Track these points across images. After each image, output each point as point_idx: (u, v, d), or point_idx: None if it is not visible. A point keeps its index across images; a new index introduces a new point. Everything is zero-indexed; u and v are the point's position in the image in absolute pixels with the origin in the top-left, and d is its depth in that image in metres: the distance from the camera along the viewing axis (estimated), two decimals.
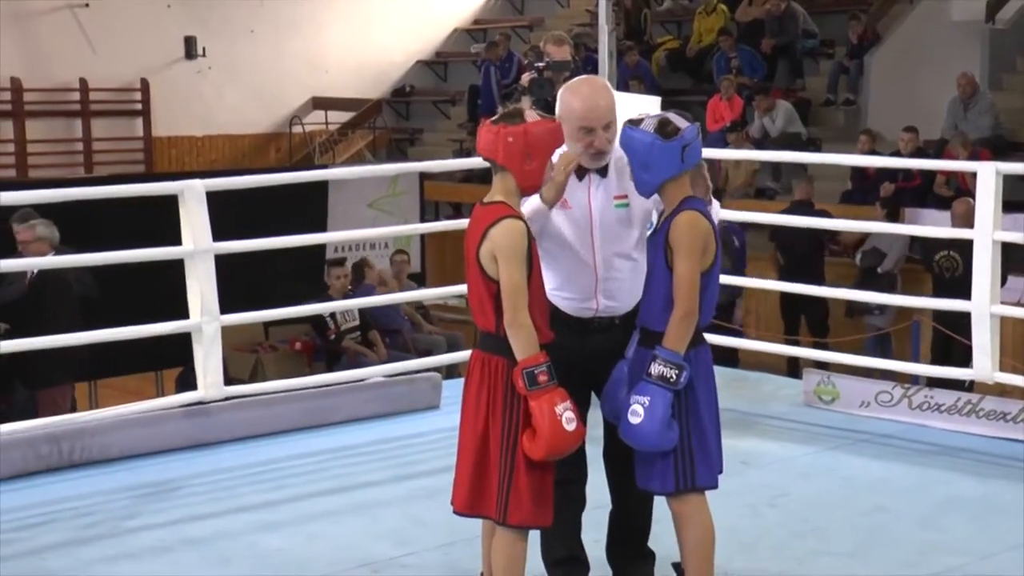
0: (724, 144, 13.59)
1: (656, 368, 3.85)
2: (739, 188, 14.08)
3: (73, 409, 8.03)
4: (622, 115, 4.14)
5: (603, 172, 4.10)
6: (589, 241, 4.08)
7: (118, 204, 6.58)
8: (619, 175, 4.09)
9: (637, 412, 3.85)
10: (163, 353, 8.61)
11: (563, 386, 3.80)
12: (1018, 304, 8.08)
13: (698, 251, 3.86)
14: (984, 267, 6.06)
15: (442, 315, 13.05)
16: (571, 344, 3.98)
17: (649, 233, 4.07)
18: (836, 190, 13.50)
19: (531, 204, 4.00)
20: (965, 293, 9.94)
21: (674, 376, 3.84)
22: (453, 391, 6.64)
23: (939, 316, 9.66)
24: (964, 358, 9.85)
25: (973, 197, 6.25)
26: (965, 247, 6.88)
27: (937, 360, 9.78)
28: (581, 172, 4.09)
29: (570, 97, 4.07)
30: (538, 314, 3.82)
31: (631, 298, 4.12)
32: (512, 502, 3.82)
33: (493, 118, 3.88)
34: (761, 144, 14.27)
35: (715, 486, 3.98)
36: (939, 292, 9.65)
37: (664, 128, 3.90)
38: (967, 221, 9.97)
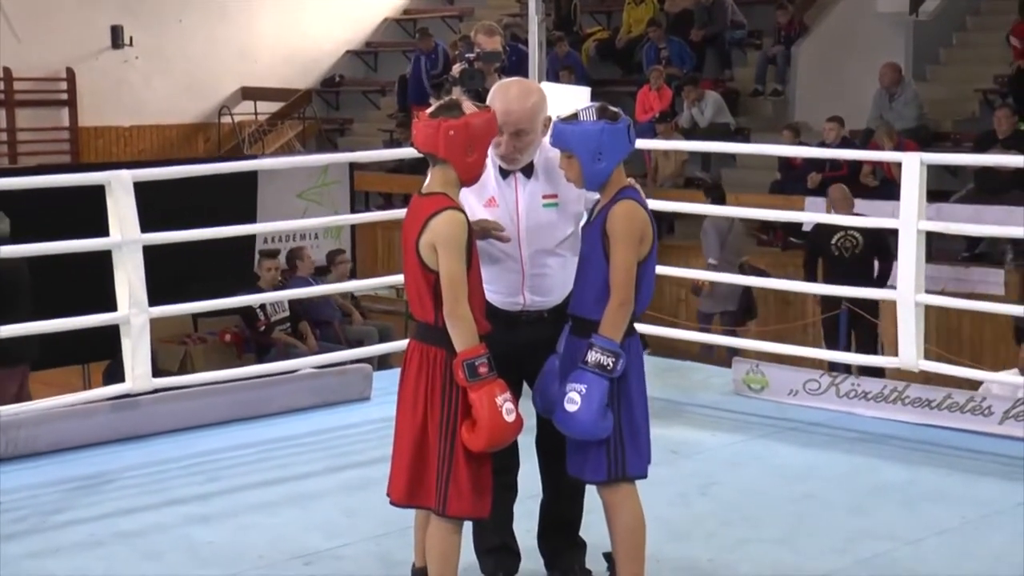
0: (653, 134, 13.64)
1: (593, 356, 3.84)
2: (668, 178, 14.15)
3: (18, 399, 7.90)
4: (553, 106, 4.15)
5: (528, 172, 4.10)
6: (516, 241, 4.08)
7: (44, 195, 6.50)
8: (548, 175, 4.10)
9: (574, 400, 3.84)
10: (90, 346, 8.51)
11: (500, 378, 3.80)
12: (941, 293, 8.18)
13: (635, 241, 3.87)
14: (909, 256, 6.13)
15: (373, 306, 13.02)
16: (501, 337, 3.97)
17: (583, 223, 4.08)
18: (764, 180, 13.61)
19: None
20: (866, 270, 10.13)
21: (611, 364, 3.84)
22: (385, 382, 6.63)
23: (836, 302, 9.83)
24: (871, 343, 10.02)
25: (898, 187, 6.31)
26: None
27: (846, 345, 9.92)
28: (505, 172, 4.10)
29: (495, 93, 4.08)
30: (476, 306, 3.81)
31: (560, 292, 4.14)
32: (451, 494, 3.81)
33: (429, 111, 3.86)
34: (690, 134, 14.34)
35: (645, 475, 3.99)
36: (836, 272, 9.73)
37: (607, 112, 3.91)
38: (846, 205, 10.16)
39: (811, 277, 10.18)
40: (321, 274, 11.84)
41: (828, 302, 10.29)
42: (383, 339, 10.85)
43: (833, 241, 10.11)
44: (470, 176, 3.88)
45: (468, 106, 3.87)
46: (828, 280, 9.61)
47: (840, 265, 9.98)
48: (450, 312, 3.75)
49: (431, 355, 3.83)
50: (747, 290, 11.42)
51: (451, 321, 3.75)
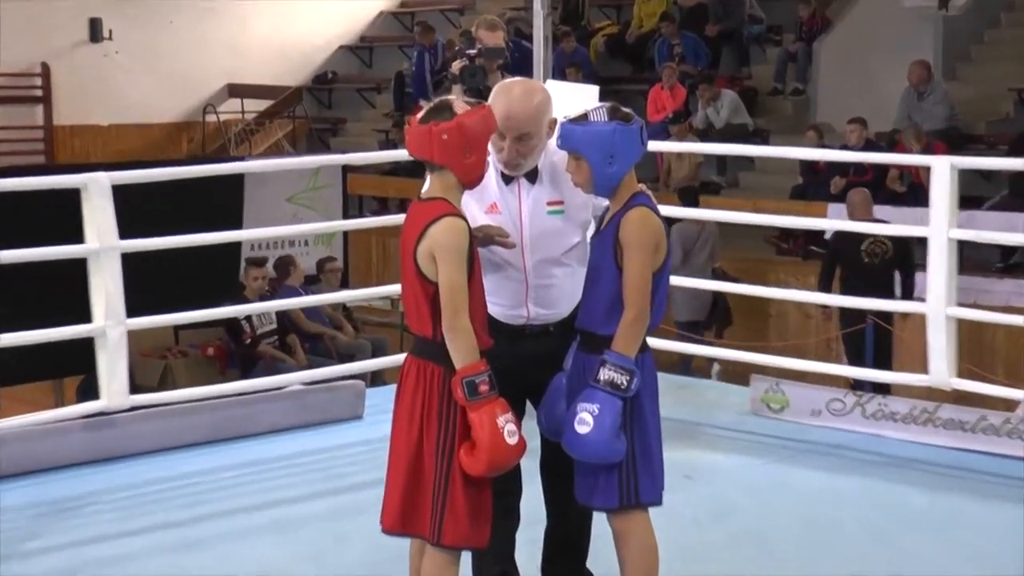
0: (666, 136, 13.63)
1: (605, 373, 3.84)
2: (682, 182, 14.13)
3: None
4: (559, 107, 4.14)
5: (532, 177, 4.11)
6: (520, 249, 4.09)
7: (15, 198, 6.48)
8: (552, 180, 4.11)
9: (585, 421, 3.83)
10: (64, 360, 8.49)
11: (502, 397, 3.79)
12: (972, 306, 8.15)
13: (650, 249, 3.87)
14: (939, 267, 6.08)
15: (366, 318, 13.01)
16: (503, 351, 3.96)
17: (593, 233, 4.07)
18: (785, 185, 13.59)
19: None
20: (891, 280, 10.04)
21: (625, 382, 3.83)
22: (378, 400, 6.61)
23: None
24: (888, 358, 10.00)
25: (927, 192, 6.28)
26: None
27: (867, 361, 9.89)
28: (508, 177, 4.10)
29: (497, 94, 4.08)
30: (478, 319, 3.81)
31: (566, 304, 4.14)
32: (447, 521, 3.79)
33: (419, 116, 3.85)
34: (705, 136, 14.33)
35: (660, 502, 3.99)
36: (858, 283, 9.67)
37: (619, 113, 3.91)
38: (865, 210, 10.13)
39: (826, 287, 10.14)
40: (311, 283, 11.83)
41: (849, 316, 10.22)
42: (377, 353, 10.82)
43: (864, 247, 10.04)
44: (471, 178, 3.87)
45: (460, 105, 3.86)
46: (848, 291, 9.55)
47: (865, 274, 9.93)
48: (449, 325, 3.73)
49: (428, 371, 3.82)
50: (720, 299, 11.45)
51: (450, 335, 3.74)
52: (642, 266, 3.86)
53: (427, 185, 3.90)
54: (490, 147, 3.96)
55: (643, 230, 3.87)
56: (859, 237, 10.00)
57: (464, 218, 3.80)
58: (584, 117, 3.92)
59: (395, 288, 6.34)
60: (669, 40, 16.02)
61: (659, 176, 14.17)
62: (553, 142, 4.05)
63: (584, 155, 3.90)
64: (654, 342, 4.10)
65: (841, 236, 10.21)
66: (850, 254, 10.16)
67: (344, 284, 11.94)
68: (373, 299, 11.37)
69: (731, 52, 16.30)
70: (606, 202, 4.01)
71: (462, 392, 3.74)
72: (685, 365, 10.86)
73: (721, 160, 14.63)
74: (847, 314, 10.26)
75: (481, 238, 3.98)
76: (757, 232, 13.08)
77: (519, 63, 9.17)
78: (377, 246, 14.82)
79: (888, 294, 9.51)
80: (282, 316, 11.15)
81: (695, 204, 11.48)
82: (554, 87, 5.20)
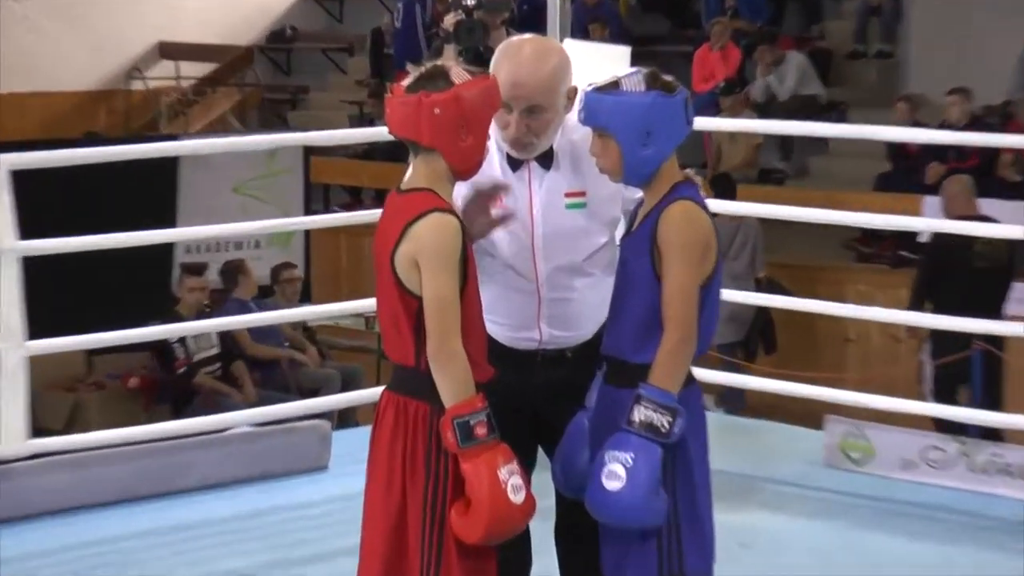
0: (716, 111, 13.63)
1: (641, 413, 3.82)
2: (736, 169, 14.13)
3: None
4: (580, 72, 4.12)
5: (546, 161, 4.12)
6: (529, 252, 4.12)
7: None
8: (572, 165, 4.13)
9: (616, 474, 3.81)
10: None
11: (504, 442, 3.80)
12: None
13: (697, 255, 3.87)
14: None
15: (334, 340, 13.02)
16: (508, 384, 3.97)
17: (623, 233, 4.06)
18: (867, 173, 13.59)
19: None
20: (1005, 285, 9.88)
21: (666, 425, 3.82)
22: (348, 445, 6.62)
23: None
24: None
25: None
26: None
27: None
28: (515, 161, 4.12)
29: (501, 56, 4.11)
30: (474, 343, 3.82)
31: (589, 324, 4.17)
32: None
33: (406, 82, 3.87)
34: (766, 111, 14.33)
35: None
36: (966, 294, 9.61)
37: (658, 81, 3.91)
38: (965, 204, 10.06)
39: (919, 304, 10.11)
40: (265, 296, 11.84)
41: (943, 340, 10.13)
42: (348, 387, 10.83)
43: (977, 248, 9.97)
44: (466, 166, 3.89)
45: (458, 73, 3.86)
46: (945, 308, 9.45)
47: (971, 287, 9.88)
48: (437, 350, 3.74)
49: (411, 410, 3.82)
50: (762, 316, 11.44)
51: (438, 363, 3.75)
52: (687, 275, 3.85)
53: (410, 172, 3.91)
54: (493, 124, 3.95)
55: (688, 229, 3.87)
56: (966, 240, 9.93)
57: (456, 214, 3.82)
58: (615, 85, 3.92)
59: (370, 303, 6.32)
60: None
61: (707, 162, 14.18)
62: (573, 117, 4.05)
63: (613, 133, 3.89)
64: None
65: (943, 237, 10.13)
66: (955, 261, 10.09)
67: (305, 297, 11.95)
68: (342, 317, 11.37)
69: (799, 4, 16.32)
70: (639, 194, 4.01)
71: (454, 436, 3.73)
72: (723, 399, 10.89)
73: (786, 142, 14.64)
74: (940, 338, 10.19)
75: (478, 219, 4.01)
76: (832, 233, 13.07)
77: (529, 17, 9.18)
78: (348, 249, 14.83)
79: (997, 312, 9.46)
80: (226, 338, 11.15)
81: (731, 195, 11.39)
82: (574, 47, 5.17)
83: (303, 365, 11.71)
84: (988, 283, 9.93)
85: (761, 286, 11.45)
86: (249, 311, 10.63)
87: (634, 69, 3.99)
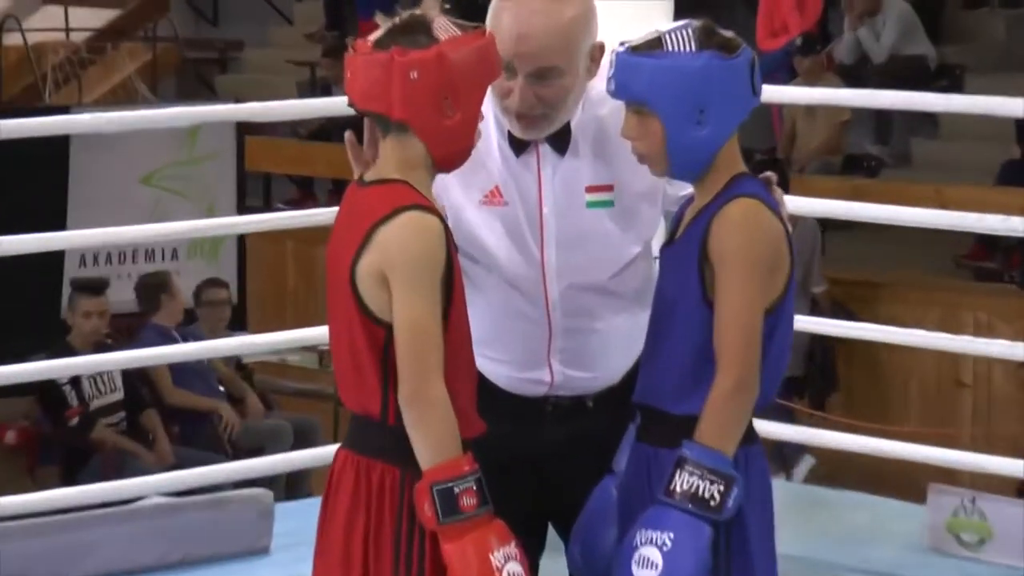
0: (790, 76, 13.64)
1: (685, 481, 3.86)
2: (814, 154, 14.14)
3: None
4: (608, 26, 4.13)
5: (561, 144, 4.16)
6: (537, 266, 4.17)
7: None
8: (598, 150, 4.19)
9: (651, 561, 3.85)
10: None
11: (501, 516, 3.82)
12: None
13: (762, 271, 3.92)
14: None
15: (277, 383, 13.02)
16: (508, 440, 3.98)
17: (664, 242, 4.07)
18: (990, 160, 13.59)
19: None
20: None
21: (717, 496, 3.86)
22: (297, 522, 6.59)
23: None
24: None
25: None
26: None
27: None
28: (520, 144, 4.15)
29: (502, 4, 4.13)
30: (462, 386, 3.86)
31: (616, 362, 4.25)
32: None
33: (374, 36, 3.87)
34: (856, 77, 14.31)
35: None
36: None
37: (714, 38, 3.93)
38: None
39: None
40: (188, 323, 11.83)
41: None
42: (299, 443, 10.82)
43: None
44: (450, 152, 3.92)
45: (444, 26, 3.89)
46: None
47: None
48: (412, 396, 3.77)
49: (376, 475, 3.86)
50: (822, 346, 11.39)
51: (414, 413, 3.77)
52: (749, 299, 3.90)
53: (378, 159, 3.92)
54: (490, 95, 3.96)
55: (751, 237, 3.92)
56: None
57: (437, 213, 3.84)
58: (656, 43, 3.93)
59: (324, 333, 6.32)
60: None
61: (777, 145, 14.17)
62: (600, 85, 4.06)
63: (655, 109, 3.92)
64: None
65: None
66: None
67: (238, 325, 11.94)
68: (288, 351, 11.37)
69: None
70: (687, 190, 4.04)
71: (432, 509, 3.75)
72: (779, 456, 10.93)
73: (883, 119, 14.64)
74: None
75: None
76: (941, 241, 13.08)
77: None
78: (296, 261, 14.87)
79: None
80: (134, 380, 11.14)
81: (783, 187, 11.45)
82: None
83: (243, 418, 11.69)
84: None
85: (819, 307, 11.45)
86: (174, 343, 10.61)
87: (682, 22, 4.01)
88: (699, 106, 3.88)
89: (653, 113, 3.91)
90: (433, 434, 3.75)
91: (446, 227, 3.81)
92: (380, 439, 3.83)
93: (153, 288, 11.55)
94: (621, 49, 3.95)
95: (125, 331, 11.50)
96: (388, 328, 3.77)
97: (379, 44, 3.84)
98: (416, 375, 3.74)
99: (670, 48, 3.90)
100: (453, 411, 3.76)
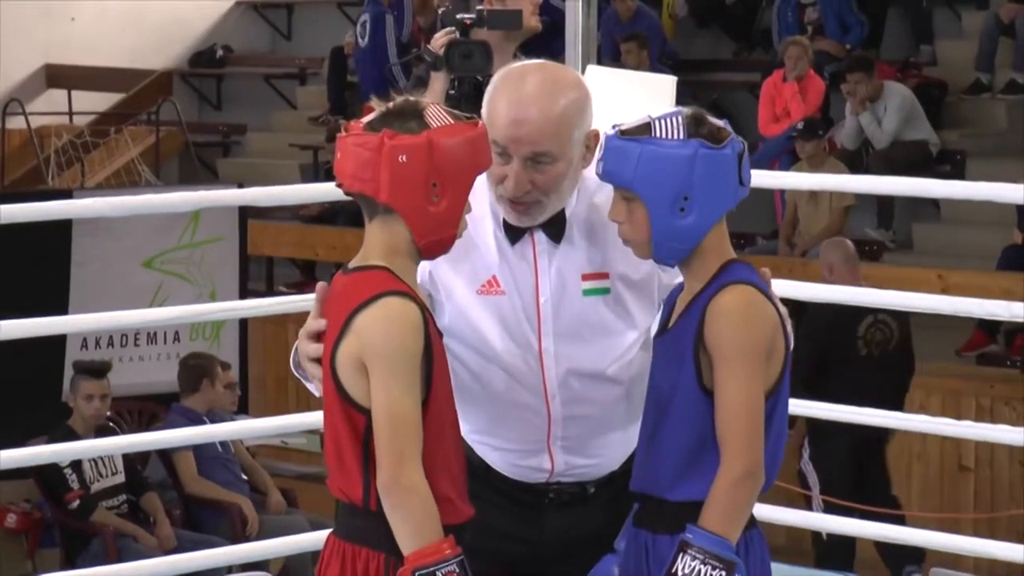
0: (792, 160, 13.63)
1: (687, 565, 3.87)
2: (817, 239, 14.15)
3: None
4: (605, 111, 4.17)
5: (556, 232, 4.20)
6: (535, 354, 4.19)
7: None
8: (593, 237, 4.22)
9: None
10: None
11: None
12: None
13: (760, 359, 3.96)
14: None
15: (276, 466, 12.95)
16: (507, 530, 4.01)
17: (657, 331, 4.10)
18: (993, 245, 13.58)
19: None
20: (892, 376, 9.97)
21: None
22: None
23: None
24: None
25: None
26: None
27: None
28: (516, 232, 4.19)
29: (499, 86, 4.18)
30: (445, 473, 3.89)
31: (617, 449, 4.28)
32: None
33: (367, 119, 3.94)
34: (858, 162, 14.32)
35: None
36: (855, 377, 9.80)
37: (703, 125, 3.98)
38: None
39: None
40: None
41: None
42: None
43: (861, 332, 10.20)
44: (433, 239, 3.96)
45: (436, 113, 3.94)
46: None
47: (859, 367, 10.08)
48: (389, 483, 3.81)
49: (361, 561, 3.90)
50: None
51: (392, 500, 3.82)
52: (751, 389, 3.94)
53: (364, 244, 3.99)
54: (485, 182, 3.99)
55: (747, 326, 3.95)
56: (857, 314, 10.11)
57: (418, 300, 3.89)
58: (644, 129, 3.99)
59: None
60: None
61: (778, 230, 14.16)
62: (594, 172, 4.12)
63: (640, 194, 3.97)
64: None
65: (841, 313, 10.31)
66: (846, 339, 10.27)
67: (241, 409, 11.91)
68: (290, 435, 11.35)
69: (902, 19, 16.34)
70: (680, 278, 4.06)
71: None
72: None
73: (885, 203, 14.63)
74: None
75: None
76: (943, 325, 13.06)
77: (544, 37, 9.24)
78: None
79: None
80: (133, 462, 11.12)
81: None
82: (600, 77, 5.24)
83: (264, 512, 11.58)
84: (876, 362, 10.08)
85: None
86: (199, 423, 10.54)
87: (673, 109, 4.06)
88: (683, 193, 3.92)
89: (639, 199, 3.95)
90: (412, 520, 3.78)
91: (426, 314, 3.86)
92: (363, 525, 3.87)
93: (195, 370, 11.42)
94: (611, 134, 4.01)
95: (135, 414, 11.49)
96: (368, 415, 3.82)
97: (371, 126, 3.90)
98: (393, 463, 3.78)
99: (658, 134, 3.95)
100: (432, 497, 3.79)
